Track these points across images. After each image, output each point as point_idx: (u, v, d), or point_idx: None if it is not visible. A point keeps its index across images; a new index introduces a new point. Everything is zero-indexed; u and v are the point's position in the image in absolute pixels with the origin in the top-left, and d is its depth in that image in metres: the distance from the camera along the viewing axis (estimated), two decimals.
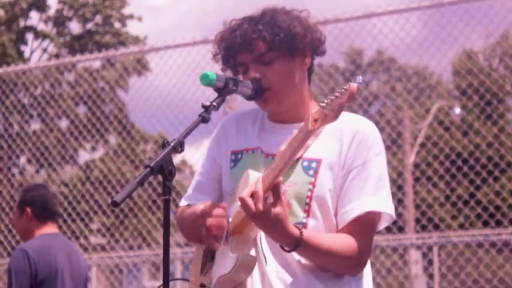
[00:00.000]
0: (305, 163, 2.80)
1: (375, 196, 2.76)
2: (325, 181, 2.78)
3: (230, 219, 2.78)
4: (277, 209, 2.58)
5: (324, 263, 2.75)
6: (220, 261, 2.80)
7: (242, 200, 2.61)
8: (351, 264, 2.75)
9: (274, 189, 2.59)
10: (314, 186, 2.77)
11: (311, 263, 2.76)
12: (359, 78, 2.41)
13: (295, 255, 2.75)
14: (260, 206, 2.57)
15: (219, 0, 59.67)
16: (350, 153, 2.80)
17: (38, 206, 5.37)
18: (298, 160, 2.79)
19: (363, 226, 2.76)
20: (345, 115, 2.80)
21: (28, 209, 5.36)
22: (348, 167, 2.79)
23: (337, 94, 2.39)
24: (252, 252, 2.75)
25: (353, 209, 2.75)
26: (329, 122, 2.43)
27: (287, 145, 2.58)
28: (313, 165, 2.79)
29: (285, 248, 2.69)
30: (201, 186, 3.06)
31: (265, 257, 2.74)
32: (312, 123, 2.47)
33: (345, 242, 2.73)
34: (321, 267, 2.76)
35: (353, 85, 2.36)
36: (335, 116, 2.41)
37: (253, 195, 2.59)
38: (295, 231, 2.64)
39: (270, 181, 2.58)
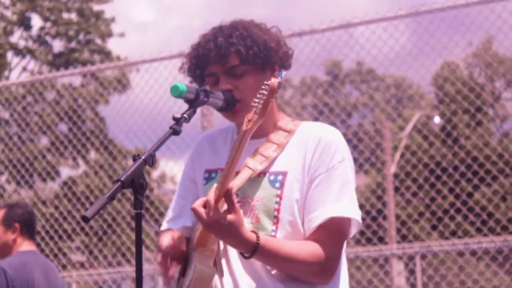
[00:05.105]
0: (272, 177, 2.81)
1: (338, 202, 2.76)
2: (292, 193, 2.78)
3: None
4: (231, 216, 2.58)
5: (287, 270, 2.74)
6: (187, 276, 2.79)
7: (193, 210, 2.61)
8: (316, 271, 2.73)
9: (226, 196, 2.58)
10: (281, 198, 2.78)
11: (279, 272, 2.75)
12: (282, 73, 2.57)
13: (266, 266, 2.75)
14: (212, 214, 2.57)
15: (206, 16, 59.85)
16: (314, 160, 2.80)
17: (26, 223, 5.43)
18: (264, 174, 2.82)
19: (329, 232, 2.74)
20: (310, 125, 2.91)
21: (17, 225, 5.40)
22: (312, 175, 2.80)
23: (263, 92, 2.47)
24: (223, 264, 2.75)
25: (317, 217, 2.75)
26: (259, 121, 2.50)
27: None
28: (279, 178, 2.81)
29: (245, 254, 2.69)
30: (180, 209, 3.06)
31: (221, 270, 2.74)
32: (246, 124, 2.52)
33: (308, 249, 2.72)
34: (291, 277, 2.75)
35: (274, 81, 2.45)
36: (261, 114, 2.49)
37: (205, 204, 2.60)
38: (251, 236, 2.64)
39: (220, 188, 2.58)
